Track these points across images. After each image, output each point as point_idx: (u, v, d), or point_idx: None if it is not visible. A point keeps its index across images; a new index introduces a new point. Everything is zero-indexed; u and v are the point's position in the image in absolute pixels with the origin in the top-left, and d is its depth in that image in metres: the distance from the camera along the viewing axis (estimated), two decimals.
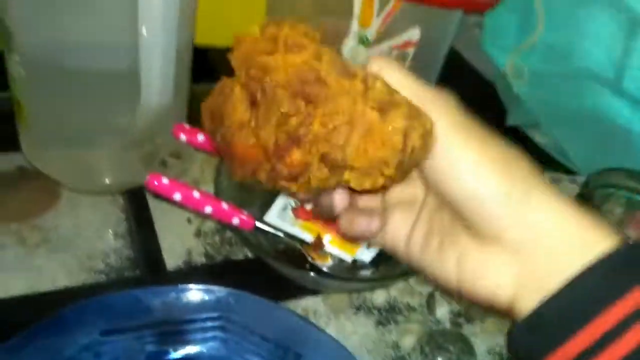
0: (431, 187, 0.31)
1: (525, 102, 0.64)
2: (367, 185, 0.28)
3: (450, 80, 0.77)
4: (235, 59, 0.29)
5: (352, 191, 0.31)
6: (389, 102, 0.27)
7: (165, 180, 0.36)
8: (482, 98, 0.75)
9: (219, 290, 0.38)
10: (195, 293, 0.38)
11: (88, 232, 0.51)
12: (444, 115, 0.28)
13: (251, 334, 0.38)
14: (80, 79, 0.43)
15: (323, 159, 0.27)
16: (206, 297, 0.38)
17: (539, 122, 0.64)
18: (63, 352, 0.39)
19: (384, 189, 0.31)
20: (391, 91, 0.27)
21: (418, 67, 0.56)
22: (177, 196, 0.37)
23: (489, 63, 0.70)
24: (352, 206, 0.33)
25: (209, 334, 0.38)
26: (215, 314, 0.38)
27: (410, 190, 0.33)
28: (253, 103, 0.29)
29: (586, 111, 0.59)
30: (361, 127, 0.27)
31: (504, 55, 0.65)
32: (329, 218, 0.34)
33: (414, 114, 0.27)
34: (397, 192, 0.34)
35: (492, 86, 0.72)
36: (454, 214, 0.30)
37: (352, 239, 0.35)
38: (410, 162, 0.28)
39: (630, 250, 0.27)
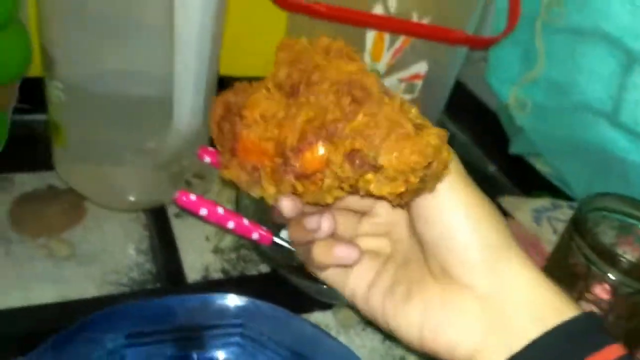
0: (414, 225, 0.31)
1: (527, 133, 0.67)
2: (387, 191, 0.28)
3: (456, 111, 0.81)
4: (280, 56, 0.30)
5: (360, 194, 0.30)
6: (423, 125, 0.28)
7: (193, 197, 0.39)
8: (486, 128, 0.78)
9: (240, 299, 0.41)
10: (217, 301, 0.41)
11: (112, 247, 0.54)
12: (451, 162, 0.29)
13: (269, 340, 0.40)
14: (115, 104, 0.47)
15: (351, 156, 0.28)
16: (227, 305, 0.41)
17: (540, 152, 0.67)
18: (90, 356, 0.41)
19: (392, 202, 0.30)
20: (424, 119, 0.29)
21: (426, 98, 0.60)
22: (204, 211, 0.40)
23: (493, 95, 0.73)
24: (331, 236, 0.33)
25: (230, 340, 0.40)
26: (235, 321, 0.41)
27: (377, 242, 0.35)
28: (292, 93, 0.29)
29: (585, 142, 0.62)
30: (398, 133, 0.27)
31: (507, 88, 0.68)
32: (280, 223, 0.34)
33: (445, 140, 0.28)
34: (365, 242, 0.35)
35: (495, 116, 0.76)
36: (425, 263, 0.31)
37: (319, 267, 0.34)
38: (425, 183, 0.28)
39: (587, 319, 0.28)
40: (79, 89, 0.46)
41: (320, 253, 0.33)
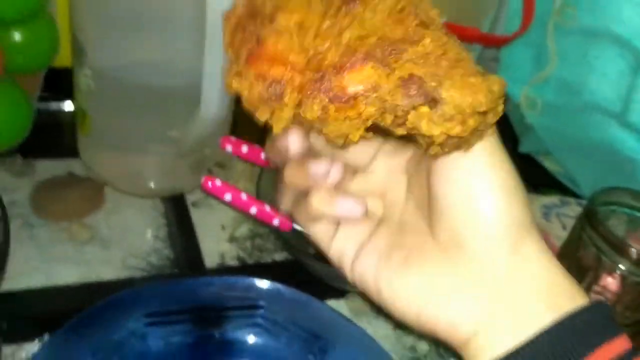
0: (432, 185, 0.28)
1: (537, 131, 0.68)
2: (439, 130, 0.24)
3: None
4: None
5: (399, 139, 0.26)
6: (485, 72, 0.25)
7: (218, 182, 0.40)
8: (496, 126, 0.79)
9: (261, 282, 0.42)
10: (239, 283, 0.42)
11: (131, 232, 0.55)
12: (494, 129, 0.27)
13: (289, 323, 0.41)
14: (142, 93, 0.48)
15: (408, 82, 0.24)
16: (249, 288, 0.42)
17: (549, 150, 0.69)
18: (113, 336, 0.42)
19: (429, 149, 0.26)
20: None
21: None
22: (228, 196, 0.41)
23: None
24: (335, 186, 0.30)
25: (251, 321, 0.42)
26: (257, 303, 0.42)
27: (370, 203, 0.31)
28: (348, 1, 0.25)
29: (594, 141, 0.64)
30: (465, 68, 0.24)
31: (518, 87, 0.69)
32: (279, 164, 0.31)
33: (503, 91, 0.25)
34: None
35: (504, 116, 0.77)
36: (427, 230, 0.28)
37: (312, 218, 0.30)
38: (471, 135, 0.25)
39: (599, 309, 0.27)
40: (107, 78, 0.48)
41: (319, 203, 0.29)
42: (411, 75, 0.24)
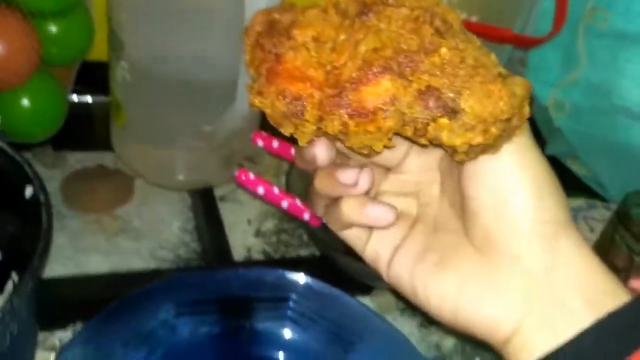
0: (464, 186, 0.28)
1: (564, 134, 0.68)
2: (460, 140, 0.24)
3: None
4: None
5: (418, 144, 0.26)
6: (506, 72, 0.24)
7: (251, 175, 0.41)
8: (528, 125, 0.79)
9: (291, 275, 0.42)
10: (269, 275, 0.43)
11: (160, 225, 0.56)
12: (523, 129, 0.26)
13: (318, 316, 0.42)
14: (178, 87, 0.49)
15: (426, 94, 0.24)
16: (280, 280, 0.42)
17: (577, 153, 0.68)
18: (143, 327, 0.42)
19: (455, 156, 0.26)
20: (504, 67, 0.25)
21: None
22: (261, 190, 0.42)
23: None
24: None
25: (280, 313, 0.42)
26: (286, 295, 0.42)
27: (402, 202, 0.31)
28: (360, 13, 0.25)
29: (622, 145, 0.63)
30: (485, 76, 0.23)
31: (546, 89, 0.69)
32: (307, 171, 0.31)
33: (527, 93, 0.25)
34: (388, 200, 0.31)
35: (531, 118, 0.77)
36: (462, 230, 0.28)
37: (344, 225, 0.31)
38: (497, 140, 0.25)
39: (638, 307, 0.26)
40: (143, 71, 0.48)
41: (350, 210, 0.29)
42: (428, 87, 0.24)
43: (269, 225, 0.59)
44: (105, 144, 0.60)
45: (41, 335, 0.44)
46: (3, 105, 0.51)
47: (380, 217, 0.29)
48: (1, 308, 0.29)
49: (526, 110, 0.25)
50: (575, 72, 0.65)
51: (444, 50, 0.24)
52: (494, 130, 0.24)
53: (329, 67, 0.25)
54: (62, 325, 0.45)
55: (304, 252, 0.57)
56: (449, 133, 0.24)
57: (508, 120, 0.24)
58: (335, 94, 0.24)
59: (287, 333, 0.43)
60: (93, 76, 0.59)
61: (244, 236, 0.58)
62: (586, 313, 0.26)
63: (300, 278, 0.43)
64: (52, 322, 0.45)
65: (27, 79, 0.49)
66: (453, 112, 0.24)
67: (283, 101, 0.26)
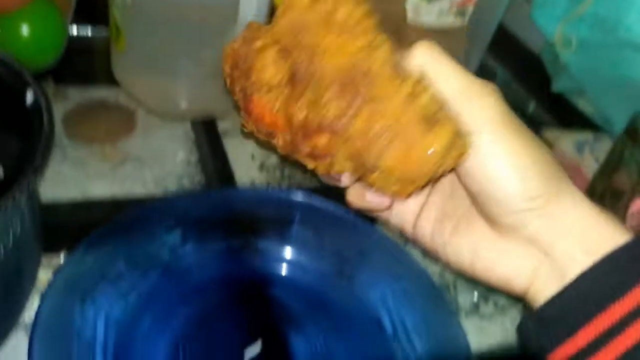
0: (457, 176, 0.30)
1: (571, 70, 0.67)
2: (392, 190, 0.27)
3: (498, 50, 0.81)
4: (281, 23, 0.28)
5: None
6: (435, 116, 0.26)
7: None
8: (527, 68, 0.79)
9: (297, 194, 0.42)
10: (274, 195, 0.43)
11: (163, 156, 0.56)
12: (487, 110, 0.28)
13: (321, 233, 0.42)
14: (178, 9, 0.48)
15: (353, 156, 0.27)
16: (283, 199, 0.42)
17: (583, 89, 0.68)
18: (145, 244, 0.42)
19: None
20: (440, 104, 0.26)
21: (471, 34, 0.60)
22: None
23: (534, 36, 0.73)
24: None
25: (286, 229, 0.42)
26: (290, 214, 0.42)
27: None
28: (293, 75, 0.27)
29: (629, 79, 0.62)
30: (403, 138, 0.25)
31: (552, 24, 0.68)
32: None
33: (457, 133, 0.26)
34: None
35: (537, 59, 0.76)
36: (472, 202, 0.31)
37: (359, 211, 0.35)
38: (442, 171, 0.27)
39: (636, 245, 0.28)
40: None
41: (353, 198, 0.33)
42: (355, 152, 0.26)
43: (273, 160, 0.59)
44: (106, 78, 0.59)
45: (44, 258, 0.44)
46: (2, 33, 0.51)
47: (377, 203, 0.32)
48: None
49: (461, 144, 0.26)
50: (582, 5, 0.64)
51: (365, 114, 0.26)
52: (419, 182, 0.26)
53: (285, 114, 0.28)
54: (66, 247, 0.45)
55: (308, 185, 0.57)
56: (379, 184, 0.27)
57: (436, 171, 0.26)
58: (292, 140, 0.28)
59: (291, 251, 0.43)
60: (93, 8, 0.59)
61: (247, 170, 0.57)
62: (584, 260, 0.28)
63: (304, 197, 0.43)
64: (56, 245, 0.44)
65: (26, 2, 0.49)
66: (379, 171, 0.26)
67: (262, 134, 0.30)
